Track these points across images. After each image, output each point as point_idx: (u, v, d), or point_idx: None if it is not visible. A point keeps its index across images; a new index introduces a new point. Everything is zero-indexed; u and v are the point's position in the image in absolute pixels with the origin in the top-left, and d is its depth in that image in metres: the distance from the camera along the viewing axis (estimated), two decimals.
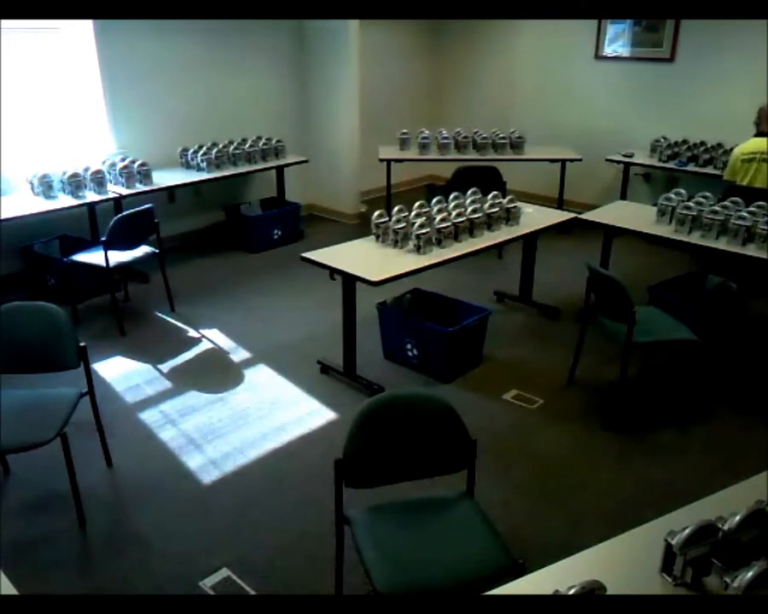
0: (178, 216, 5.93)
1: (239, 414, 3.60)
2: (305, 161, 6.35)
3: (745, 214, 3.77)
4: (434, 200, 4.07)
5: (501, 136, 6.28)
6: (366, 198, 7.17)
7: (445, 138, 6.32)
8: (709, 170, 5.75)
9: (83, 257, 4.51)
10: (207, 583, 2.49)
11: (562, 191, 6.49)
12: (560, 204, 6.29)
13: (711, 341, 3.82)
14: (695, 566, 1.48)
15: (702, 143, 5.94)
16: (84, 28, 5.13)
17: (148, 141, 5.62)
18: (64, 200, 4.78)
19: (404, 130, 6.46)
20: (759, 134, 4.77)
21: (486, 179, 5.19)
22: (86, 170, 4.92)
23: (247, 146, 5.92)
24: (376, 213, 3.89)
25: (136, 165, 5.13)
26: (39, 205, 4.67)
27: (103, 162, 5.15)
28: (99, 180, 4.92)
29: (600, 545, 1.64)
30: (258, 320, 4.72)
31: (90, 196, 4.88)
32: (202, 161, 5.55)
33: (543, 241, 4.71)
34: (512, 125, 6.46)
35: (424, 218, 3.80)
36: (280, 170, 6.28)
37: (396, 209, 3.83)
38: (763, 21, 5.55)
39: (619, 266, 4.66)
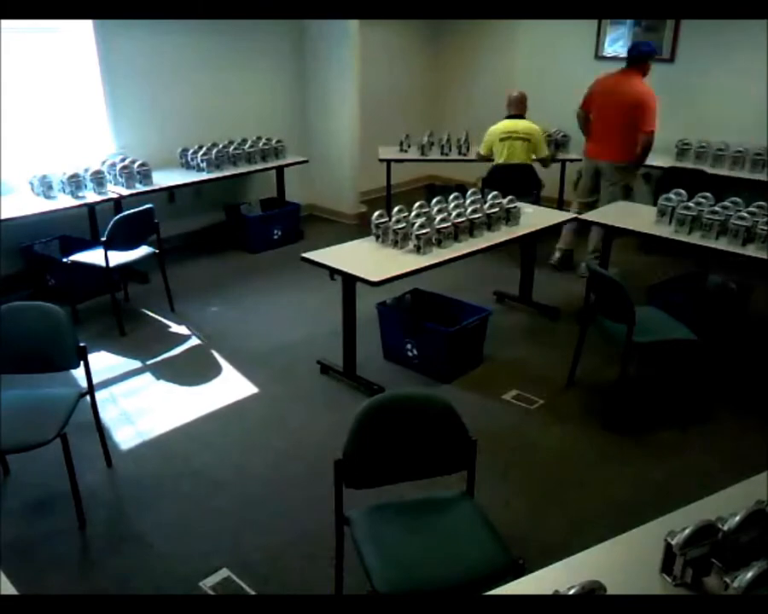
0: (178, 216, 5.92)
1: (238, 413, 3.60)
2: (305, 161, 6.35)
3: (745, 214, 3.77)
4: (434, 200, 4.07)
5: None
6: (366, 198, 7.16)
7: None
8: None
9: (83, 257, 4.50)
10: (207, 583, 2.49)
11: (562, 191, 6.49)
12: (560, 204, 6.29)
13: (711, 341, 3.82)
14: (695, 566, 1.48)
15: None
16: (84, 28, 5.13)
17: (148, 142, 5.61)
18: (64, 200, 4.78)
19: (404, 131, 6.45)
20: (509, 116, 5.64)
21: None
22: (86, 170, 4.92)
23: (247, 146, 5.92)
24: (376, 213, 3.89)
25: (136, 165, 5.12)
26: (39, 205, 4.67)
27: (103, 162, 5.15)
28: (99, 180, 4.92)
29: (600, 545, 1.64)
30: (258, 320, 4.72)
31: (90, 196, 4.88)
32: (202, 161, 5.55)
33: (543, 241, 4.71)
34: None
35: (424, 218, 3.80)
36: (280, 170, 6.27)
37: (396, 209, 3.83)
38: (763, 21, 5.55)
39: (619, 266, 4.67)
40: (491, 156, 5.64)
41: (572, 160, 6.30)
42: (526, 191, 4.85)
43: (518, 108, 5.66)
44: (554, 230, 4.40)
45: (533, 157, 5.60)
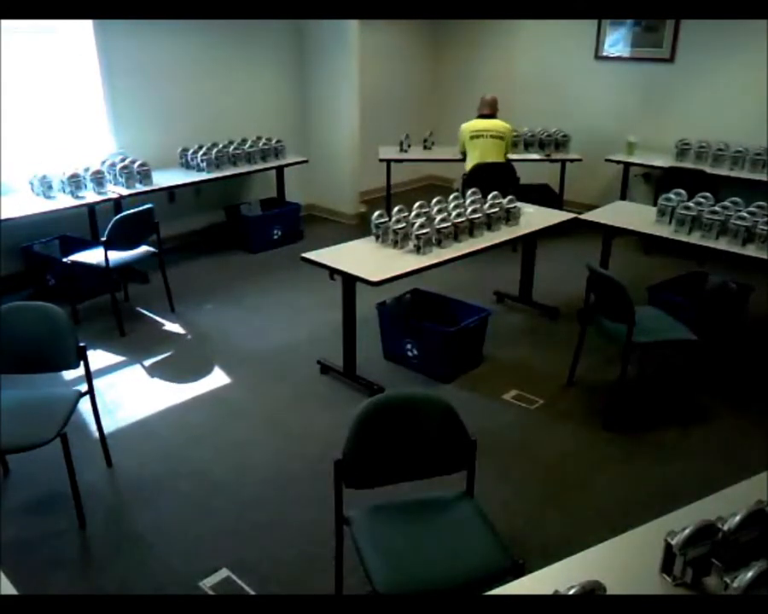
0: (178, 216, 5.93)
1: (238, 413, 3.60)
2: (305, 161, 6.35)
3: (745, 214, 3.77)
4: (434, 200, 4.08)
5: None
6: (366, 198, 7.16)
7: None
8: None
9: (83, 257, 4.50)
10: (207, 583, 2.49)
11: (562, 191, 6.49)
12: (560, 204, 6.29)
13: (711, 341, 3.82)
14: (695, 566, 1.48)
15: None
16: (84, 28, 5.13)
17: (148, 142, 5.61)
18: (64, 200, 4.78)
19: (404, 131, 6.45)
20: (480, 116, 5.84)
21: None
22: (86, 170, 4.92)
23: (247, 146, 5.92)
24: (376, 213, 3.89)
25: (136, 165, 5.12)
26: (39, 205, 4.67)
27: (103, 162, 5.15)
28: (99, 180, 4.93)
29: (600, 545, 1.64)
30: (258, 320, 4.72)
31: (90, 196, 4.88)
32: (202, 161, 5.55)
33: (543, 241, 4.71)
34: (511, 125, 6.46)
35: (424, 218, 3.80)
36: (280, 170, 6.28)
37: (396, 209, 3.83)
38: (763, 21, 5.55)
39: (619, 266, 4.66)
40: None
41: (572, 160, 6.32)
42: (506, 189, 4.80)
43: (490, 109, 5.82)
44: (554, 230, 4.39)
45: (507, 156, 5.76)
